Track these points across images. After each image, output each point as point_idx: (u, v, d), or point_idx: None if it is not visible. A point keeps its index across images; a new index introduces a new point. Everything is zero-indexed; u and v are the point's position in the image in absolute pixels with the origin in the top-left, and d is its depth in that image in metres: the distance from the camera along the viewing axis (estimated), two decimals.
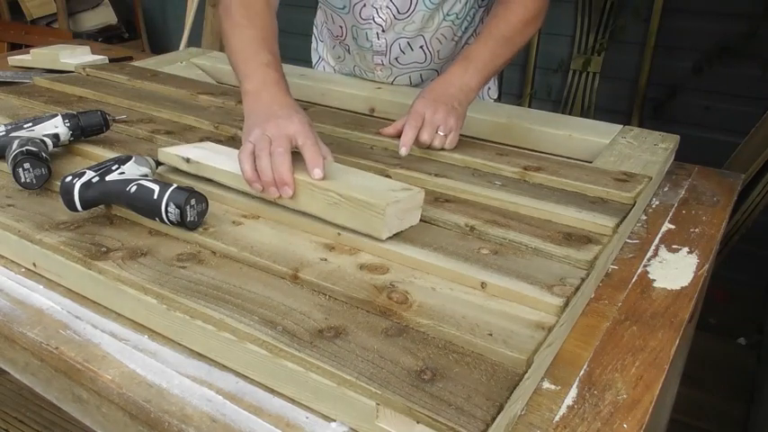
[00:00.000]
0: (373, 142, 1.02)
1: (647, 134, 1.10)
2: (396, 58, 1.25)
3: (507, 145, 1.09)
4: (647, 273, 0.77)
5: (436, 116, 0.96)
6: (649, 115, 2.54)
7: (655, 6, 2.40)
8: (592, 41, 2.56)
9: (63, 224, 0.74)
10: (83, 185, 0.73)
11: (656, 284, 0.75)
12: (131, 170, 0.77)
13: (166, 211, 0.70)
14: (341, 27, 1.26)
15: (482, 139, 1.09)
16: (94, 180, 0.74)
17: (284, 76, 0.91)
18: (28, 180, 0.80)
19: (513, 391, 0.50)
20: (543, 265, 0.68)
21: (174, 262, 0.67)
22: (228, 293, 0.62)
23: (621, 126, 1.12)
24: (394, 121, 1.04)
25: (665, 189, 1.01)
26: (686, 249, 0.83)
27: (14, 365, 0.66)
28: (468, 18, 1.23)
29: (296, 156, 0.77)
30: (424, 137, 0.96)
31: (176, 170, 0.86)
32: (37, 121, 0.91)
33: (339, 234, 0.73)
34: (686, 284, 0.75)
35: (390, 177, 0.89)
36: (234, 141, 1.01)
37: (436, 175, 0.88)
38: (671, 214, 0.93)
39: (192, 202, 0.71)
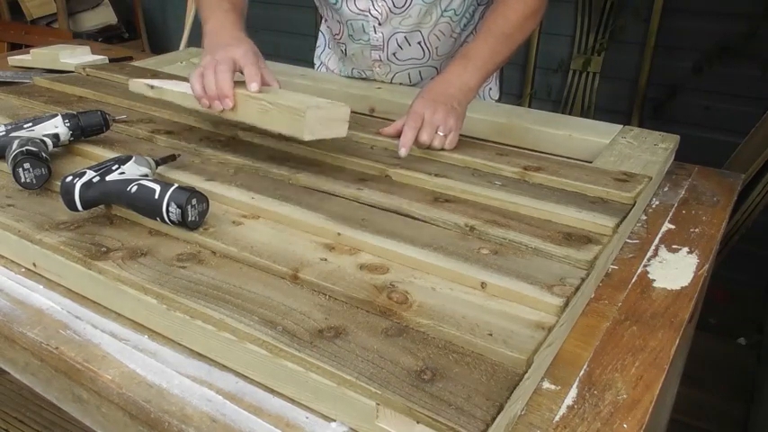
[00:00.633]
0: (373, 142, 1.02)
1: (647, 134, 1.10)
2: (393, 54, 1.25)
3: (507, 145, 1.09)
4: (647, 273, 0.77)
5: (436, 116, 0.96)
6: (649, 115, 2.54)
7: (655, 6, 2.40)
8: (592, 41, 2.56)
9: (63, 224, 0.74)
10: (83, 185, 0.73)
11: (656, 284, 0.75)
12: (131, 170, 0.77)
13: (167, 211, 0.70)
14: (338, 23, 1.26)
15: (482, 139, 1.09)
16: (95, 180, 0.74)
17: (243, 21, 1.05)
18: (28, 180, 0.80)
19: (513, 391, 0.50)
20: (543, 265, 0.68)
21: (174, 262, 0.67)
22: (228, 293, 0.62)
23: (621, 126, 1.12)
24: (394, 120, 1.04)
25: (665, 189, 1.01)
26: (686, 249, 0.83)
27: (14, 365, 0.66)
28: (467, 15, 1.22)
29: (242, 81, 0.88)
30: (424, 137, 0.95)
31: (175, 169, 0.87)
32: (37, 121, 0.91)
33: (339, 234, 0.73)
34: (686, 284, 0.75)
35: (390, 177, 0.89)
36: (234, 141, 1.01)
37: (436, 175, 0.88)
38: (671, 214, 0.93)
39: (194, 201, 0.71)
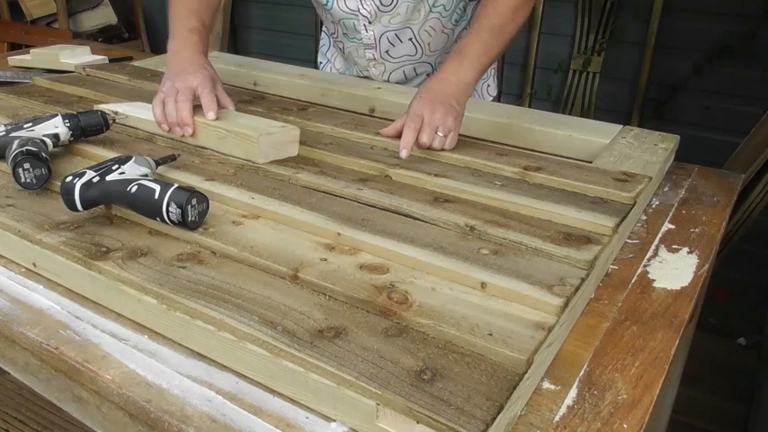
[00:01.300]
0: (373, 142, 1.02)
1: (646, 134, 1.10)
2: (386, 52, 1.26)
3: (507, 145, 1.09)
4: (647, 273, 0.77)
5: (435, 117, 0.96)
6: (649, 115, 2.54)
7: (655, 6, 2.40)
8: (592, 41, 2.56)
9: (63, 224, 0.74)
10: (83, 185, 0.73)
11: (656, 284, 0.75)
12: (131, 170, 0.77)
13: (167, 211, 0.70)
14: (333, 23, 1.28)
15: (482, 139, 1.09)
16: (95, 180, 0.74)
17: (205, 41, 1.10)
18: (28, 180, 0.80)
19: (513, 392, 0.50)
20: (543, 265, 0.68)
21: (173, 262, 0.67)
22: (228, 293, 0.62)
23: (621, 126, 1.12)
24: (393, 120, 1.04)
25: (665, 189, 1.01)
26: (686, 249, 0.83)
27: (14, 365, 0.66)
28: (458, 11, 1.23)
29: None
30: (424, 138, 0.95)
31: (175, 169, 0.87)
32: (37, 121, 0.91)
33: (339, 234, 0.73)
34: (686, 284, 0.75)
35: (390, 177, 0.89)
36: None
37: (436, 175, 0.88)
38: (671, 214, 0.93)
39: (194, 201, 0.71)
